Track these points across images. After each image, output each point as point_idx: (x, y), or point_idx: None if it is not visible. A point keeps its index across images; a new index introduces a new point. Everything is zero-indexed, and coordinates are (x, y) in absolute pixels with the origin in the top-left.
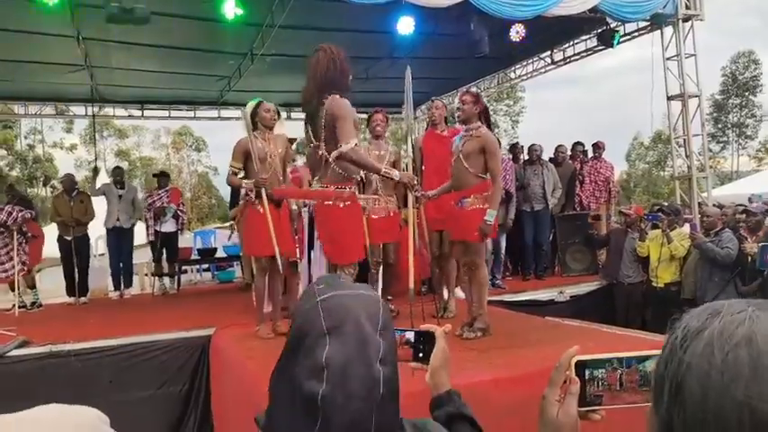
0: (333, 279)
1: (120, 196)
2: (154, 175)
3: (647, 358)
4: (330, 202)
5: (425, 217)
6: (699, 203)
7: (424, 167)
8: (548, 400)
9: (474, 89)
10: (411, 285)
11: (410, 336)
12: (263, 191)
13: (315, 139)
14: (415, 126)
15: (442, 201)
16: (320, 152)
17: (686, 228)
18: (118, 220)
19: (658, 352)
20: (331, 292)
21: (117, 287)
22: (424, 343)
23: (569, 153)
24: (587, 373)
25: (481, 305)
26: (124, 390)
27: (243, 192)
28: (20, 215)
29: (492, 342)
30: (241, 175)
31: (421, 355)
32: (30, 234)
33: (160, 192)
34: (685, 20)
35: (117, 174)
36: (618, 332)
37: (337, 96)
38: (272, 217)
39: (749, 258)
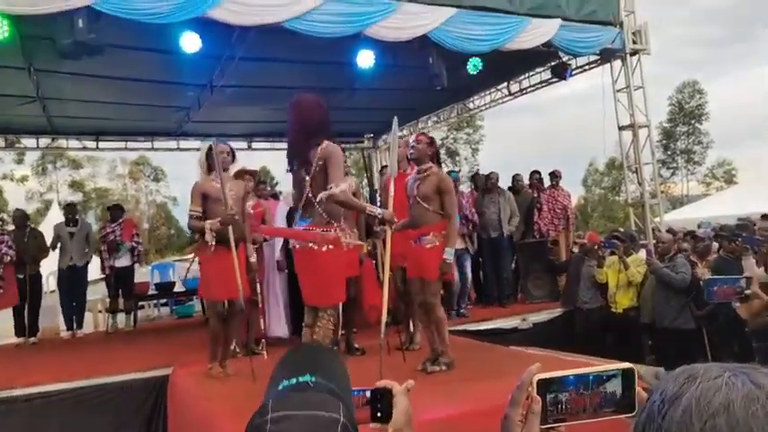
0: (290, 397)
1: (71, 234)
2: (107, 208)
3: (607, 377)
4: (314, 246)
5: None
6: (652, 229)
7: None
8: (510, 419)
9: (428, 133)
10: (383, 320)
11: (365, 394)
12: (230, 233)
13: (303, 182)
14: (377, 156)
15: (404, 236)
16: (306, 193)
17: (642, 253)
18: (71, 258)
19: (618, 368)
20: (282, 413)
21: (69, 327)
22: (382, 401)
23: (527, 182)
24: (550, 397)
25: (443, 341)
26: None
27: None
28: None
29: (456, 374)
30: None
31: (379, 414)
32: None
33: (113, 225)
34: (633, 54)
35: (69, 211)
36: (579, 359)
37: (330, 142)
38: (231, 260)
39: (701, 283)
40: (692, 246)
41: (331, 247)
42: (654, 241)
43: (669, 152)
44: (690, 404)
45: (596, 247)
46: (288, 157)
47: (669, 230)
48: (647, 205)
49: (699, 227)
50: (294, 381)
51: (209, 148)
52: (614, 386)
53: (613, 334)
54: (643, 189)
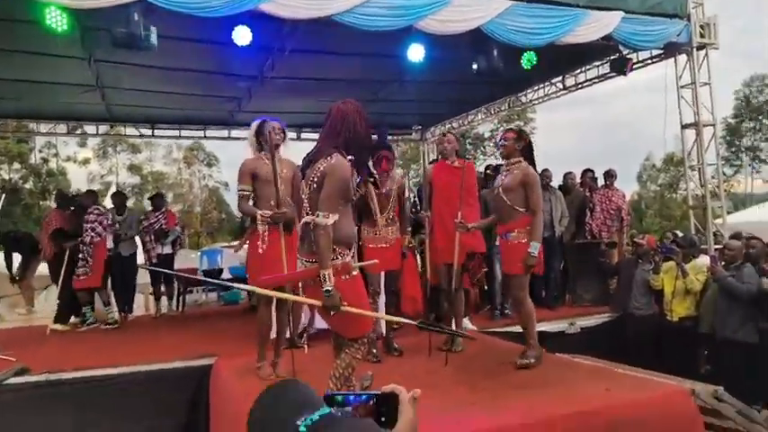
0: (342, 425)
1: (119, 223)
2: (150, 198)
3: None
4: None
5: (432, 248)
6: (714, 233)
7: (433, 198)
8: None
9: (515, 126)
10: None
11: (371, 399)
12: (280, 222)
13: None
14: (424, 147)
15: (448, 234)
16: (304, 212)
17: (702, 259)
18: (118, 246)
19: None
20: None
21: (121, 310)
22: (387, 406)
23: (579, 180)
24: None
25: (530, 335)
26: (120, 421)
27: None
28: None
29: (502, 381)
30: (251, 203)
31: (383, 419)
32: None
33: (157, 214)
34: (699, 48)
35: (117, 199)
36: (630, 373)
37: (340, 157)
38: (285, 246)
39: None
40: (766, 253)
41: (343, 277)
42: (718, 246)
43: (733, 149)
44: None
45: (653, 251)
46: (301, 168)
47: (734, 236)
48: (709, 207)
49: None
50: (317, 416)
51: (260, 125)
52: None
53: (667, 343)
54: (705, 190)
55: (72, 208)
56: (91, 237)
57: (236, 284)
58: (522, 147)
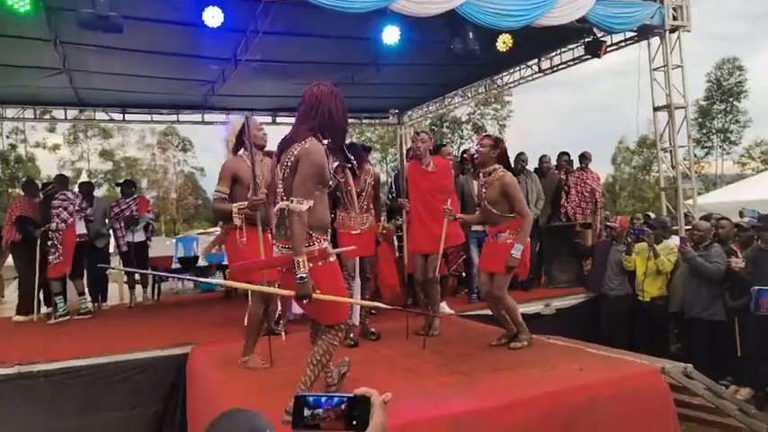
0: None
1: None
2: (117, 185)
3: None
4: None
5: (409, 242)
6: (685, 213)
7: (409, 194)
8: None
9: (492, 134)
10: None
11: (343, 402)
12: (257, 217)
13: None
14: (402, 132)
15: (425, 226)
16: (278, 198)
17: (673, 240)
18: (89, 237)
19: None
20: None
21: (94, 300)
22: (359, 409)
23: (554, 163)
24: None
25: (518, 324)
26: (94, 411)
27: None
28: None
29: (476, 364)
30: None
31: (354, 422)
32: None
33: (128, 200)
34: (672, 31)
35: (84, 189)
36: (603, 353)
37: (316, 141)
38: (263, 238)
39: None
40: (734, 234)
41: (321, 262)
42: (688, 227)
43: (704, 131)
44: None
45: (626, 233)
46: (276, 153)
47: (705, 217)
48: (680, 189)
49: (741, 215)
50: None
51: (244, 124)
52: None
53: (640, 322)
54: (677, 172)
55: (43, 196)
56: (56, 223)
57: (212, 280)
58: (497, 154)
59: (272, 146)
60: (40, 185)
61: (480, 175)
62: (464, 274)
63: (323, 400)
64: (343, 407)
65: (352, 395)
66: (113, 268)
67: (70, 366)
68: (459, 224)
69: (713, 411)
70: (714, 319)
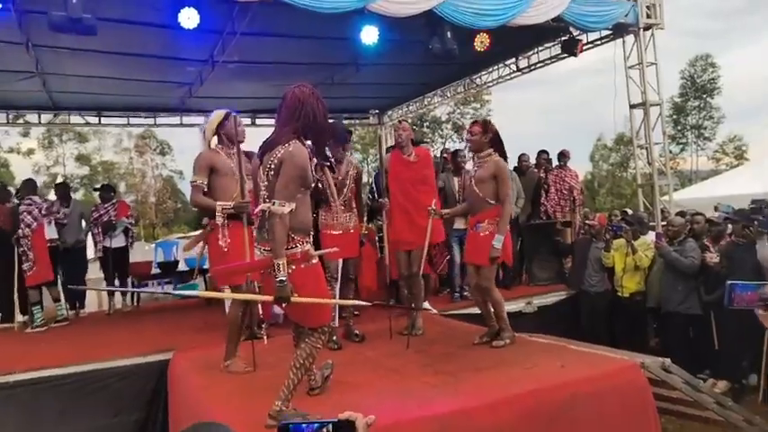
0: None
1: (64, 215)
2: (95, 189)
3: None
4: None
5: (391, 236)
6: (661, 209)
7: (390, 187)
8: None
9: (483, 118)
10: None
11: (324, 427)
12: (243, 217)
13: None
14: (382, 132)
15: (409, 222)
16: (263, 202)
17: (650, 236)
18: (65, 241)
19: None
20: None
21: (72, 307)
22: None
23: (534, 162)
24: None
25: (502, 320)
26: (75, 420)
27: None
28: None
29: (459, 364)
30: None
31: None
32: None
33: (106, 205)
34: (646, 28)
35: (60, 191)
36: (584, 349)
37: (299, 144)
38: (249, 239)
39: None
40: (706, 229)
41: (303, 265)
42: (663, 223)
43: (679, 127)
44: None
45: (604, 230)
46: (258, 155)
47: (680, 213)
48: (657, 185)
49: (716, 209)
50: None
51: (224, 117)
52: None
53: (619, 318)
54: (653, 169)
55: (16, 201)
56: (22, 229)
57: (191, 292)
58: (489, 138)
59: (252, 147)
60: (12, 192)
61: (474, 158)
62: (445, 271)
63: (304, 426)
64: (329, 430)
65: (336, 420)
66: (91, 288)
67: (50, 375)
68: (441, 222)
69: (691, 405)
70: (690, 312)
